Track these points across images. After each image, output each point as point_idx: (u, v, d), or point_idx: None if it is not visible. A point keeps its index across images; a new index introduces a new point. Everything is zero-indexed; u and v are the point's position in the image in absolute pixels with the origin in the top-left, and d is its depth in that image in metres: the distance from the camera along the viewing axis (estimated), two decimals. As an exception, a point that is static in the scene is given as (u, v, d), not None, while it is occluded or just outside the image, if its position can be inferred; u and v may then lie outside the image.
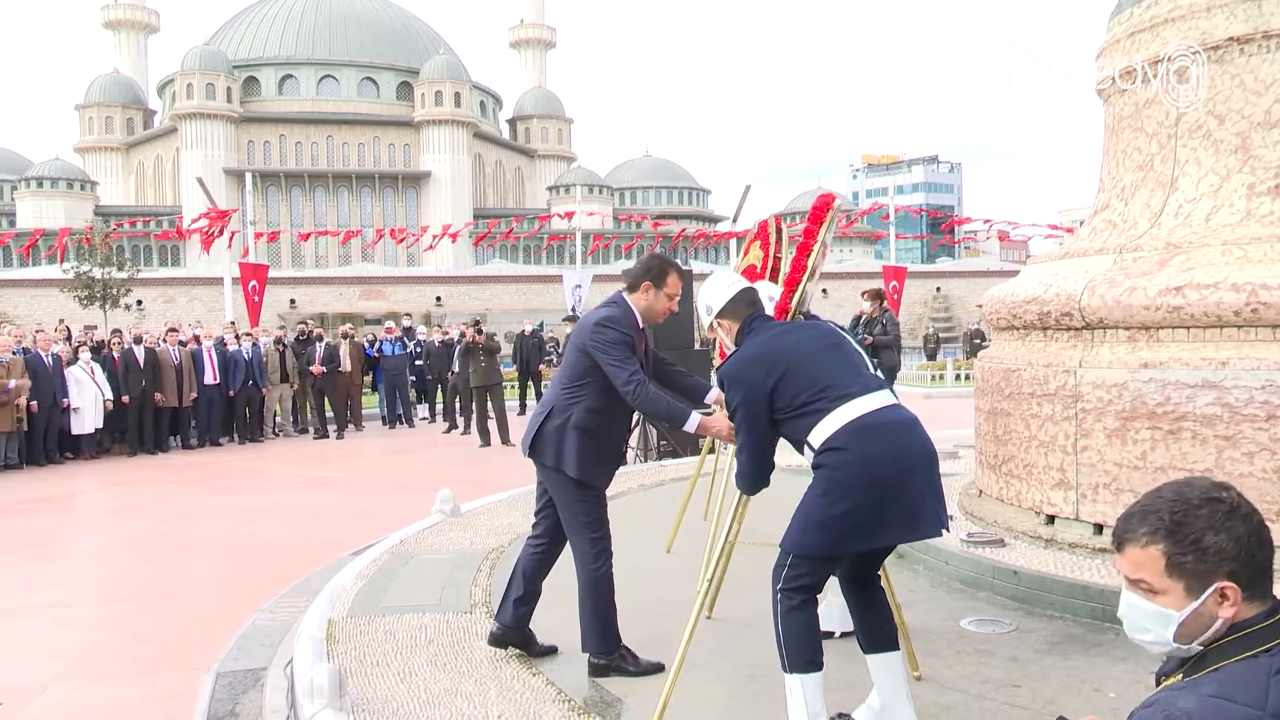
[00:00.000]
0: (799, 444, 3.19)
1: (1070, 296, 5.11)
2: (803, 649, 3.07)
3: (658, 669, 3.84)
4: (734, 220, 31.93)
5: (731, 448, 4.17)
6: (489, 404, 13.71)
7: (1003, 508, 5.54)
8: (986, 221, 49.29)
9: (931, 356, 31.12)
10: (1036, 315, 5.38)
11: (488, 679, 3.89)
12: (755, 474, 3.34)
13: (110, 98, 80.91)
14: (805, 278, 3.82)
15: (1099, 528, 4.88)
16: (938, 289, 60.51)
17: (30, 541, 7.99)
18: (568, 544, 4.06)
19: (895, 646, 3.25)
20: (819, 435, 3.07)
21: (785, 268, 4.33)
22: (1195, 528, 1.52)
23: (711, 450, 6.16)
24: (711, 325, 3.54)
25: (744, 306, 3.47)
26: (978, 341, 23.91)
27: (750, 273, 4.78)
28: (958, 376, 23.29)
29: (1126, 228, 5.33)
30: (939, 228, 64.51)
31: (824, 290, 57.62)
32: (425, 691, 3.77)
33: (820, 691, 3.08)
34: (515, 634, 4.12)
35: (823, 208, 3.97)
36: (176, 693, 4.32)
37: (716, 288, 3.52)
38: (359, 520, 8.24)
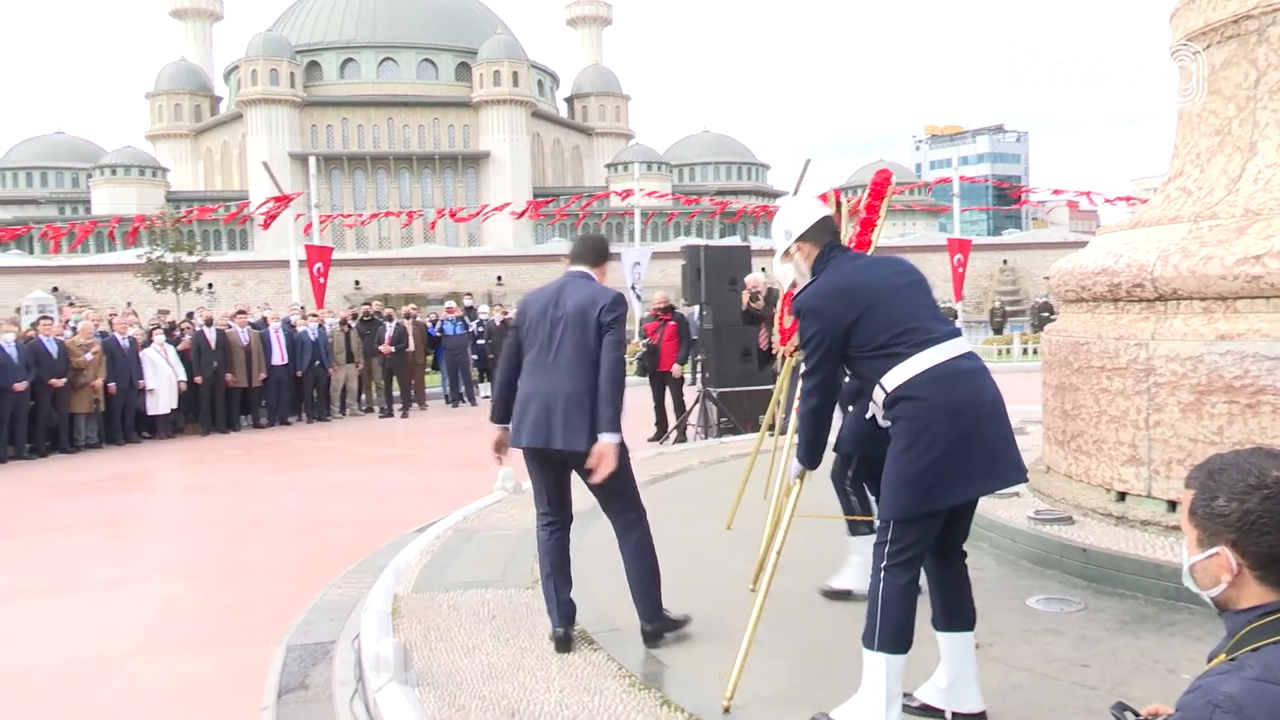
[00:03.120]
0: (869, 384, 3.10)
1: (1142, 267, 4.95)
2: (899, 629, 2.97)
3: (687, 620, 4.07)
4: (794, 195, 31.58)
5: (793, 424, 4.13)
6: None
7: (1071, 484, 5.42)
8: (1056, 191, 48.03)
9: (998, 330, 30.54)
10: (1106, 287, 5.22)
11: (549, 654, 3.93)
12: (824, 411, 3.21)
13: (178, 85, 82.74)
14: (870, 252, 3.78)
15: (1172, 505, 4.74)
16: (1004, 262, 59.26)
17: (110, 519, 8.26)
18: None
19: (970, 627, 3.17)
20: (894, 379, 2.98)
21: (846, 241, 4.26)
22: (1218, 487, 1.59)
23: (771, 427, 6.12)
24: (787, 251, 3.33)
25: (825, 233, 3.31)
26: (1045, 315, 23.40)
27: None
28: (1025, 351, 22.81)
29: (1202, 195, 5.14)
30: (1005, 199, 63.06)
31: (886, 264, 56.69)
32: (488, 666, 3.82)
33: (901, 674, 3.00)
34: (573, 628, 4.09)
35: (883, 183, 3.91)
36: (249, 665, 4.44)
37: (799, 210, 3.34)
38: (423, 498, 8.37)
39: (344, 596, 5.37)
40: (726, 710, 3.31)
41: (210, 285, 46.93)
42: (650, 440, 11.36)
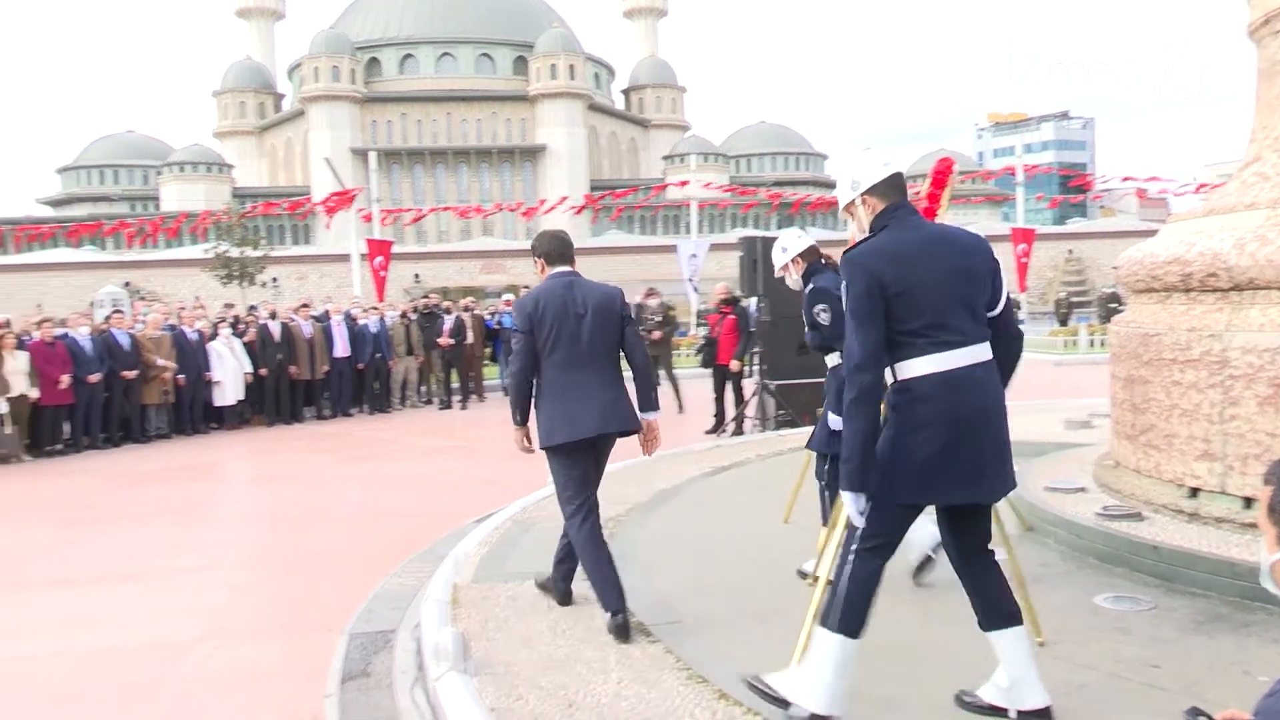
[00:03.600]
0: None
1: (1216, 256, 4.80)
2: (856, 613, 2.99)
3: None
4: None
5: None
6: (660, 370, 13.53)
7: (1140, 479, 5.28)
8: (1125, 179, 46.78)
9: (1063, 322, 29.92)
10: (1178, 276, 5.07)
11: (607, 645, 3.94)
12: (871, 367, 2.92)
13: (243, 84, 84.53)
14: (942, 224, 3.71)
15: (1248, 501, 4.60)
16: (1070, 251, 58.02)
17: (179, 508, 8.48)
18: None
19: (1017, 621, 3.10)
20: (907, 370, 2.94)
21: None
22: None
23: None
24: (850, 204, 3.17)
25: (896, 191, 3.11)
26: (1113, 305, 22.83)
27: (869, 238, 4.64)
28: (1092, 343, 22.29)
29: (1281, 180, 4.96)
30: (1070, 187, 61.61)
31: (947, 255, 55.80)
32: (546, 656, 3.84)
33: (852, 660, 3.02)
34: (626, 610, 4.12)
35: (944, 172, 3.84)
36: (313, 652, 4.52)
37: (872, 162, 3.14)
38: (482, 489, 8.45)
39: (404, 586, 5.44)
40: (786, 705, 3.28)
41: (275, 279, 47.88)
42: (708, 433, 11.33)
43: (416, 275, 51.80)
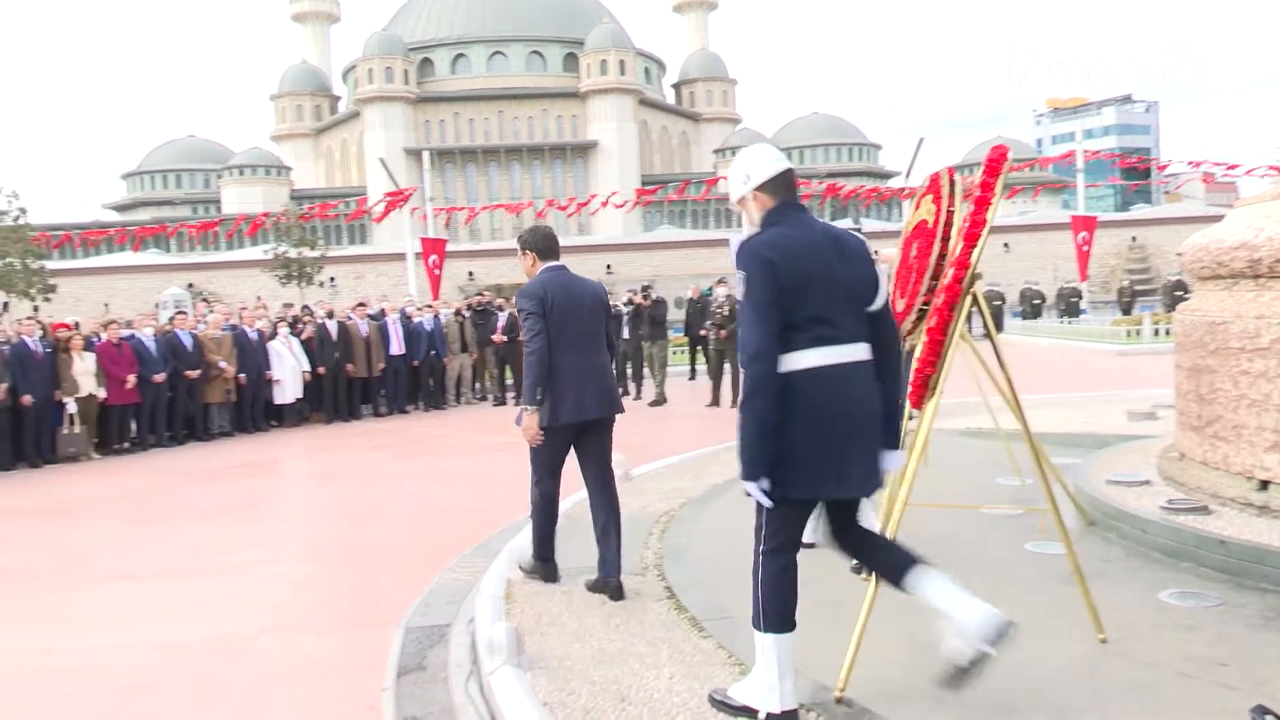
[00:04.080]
0: None
1: (1286, 241, 4.64)
2: (780, 610, 3.09)
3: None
4: (906, 175, 30.84)
5: (904, 413, 4.05)
6: (725, 364, 13.54)
7: (1207, 472, 5.14)
8: (1191, 163, 45.54)
9: (1127, 311, 29.25)
10: (1246, 263, 4.92)
11: (660, 640, 3.94)
12: (769, 357, 2.95)
13: (300, 87, 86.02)
14: (986, 232, 3.65)
15: (1321, 494, 4.45)
16: (1133, 239, 56.66)
17: (242, 504, 8.66)
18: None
19: (920, 562, 3.15)
20: (788, 364, 2.99)
21: (959, 222, 4.13)
22: None
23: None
24: (741, 197, 3.23)
25: (785, 189, 3.19)
26: (1178, 294, 22.26)
27: (921, 228, 4.58)
28: (1156, 332, 21.74)
29: (1354, 162, 4.78)
30: (1133, 173, 60.11)
31: (1005, 245, 54.97)
32: (599, 651, 3.85)
33: (791, 652, 3.11)
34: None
35: (998, 160, 3.77)
36: (370, 645, 4.59)
37: (764, 157, 3.22)
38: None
39: (460, 581, 5.50)
40: (838, 700, 3.26)
41: (332, 279, 48.69)
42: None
43: (470, 273, 52.30)
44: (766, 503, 3.04)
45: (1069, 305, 30.33)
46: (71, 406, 11.24)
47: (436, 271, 22.41)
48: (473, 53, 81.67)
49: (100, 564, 6.70)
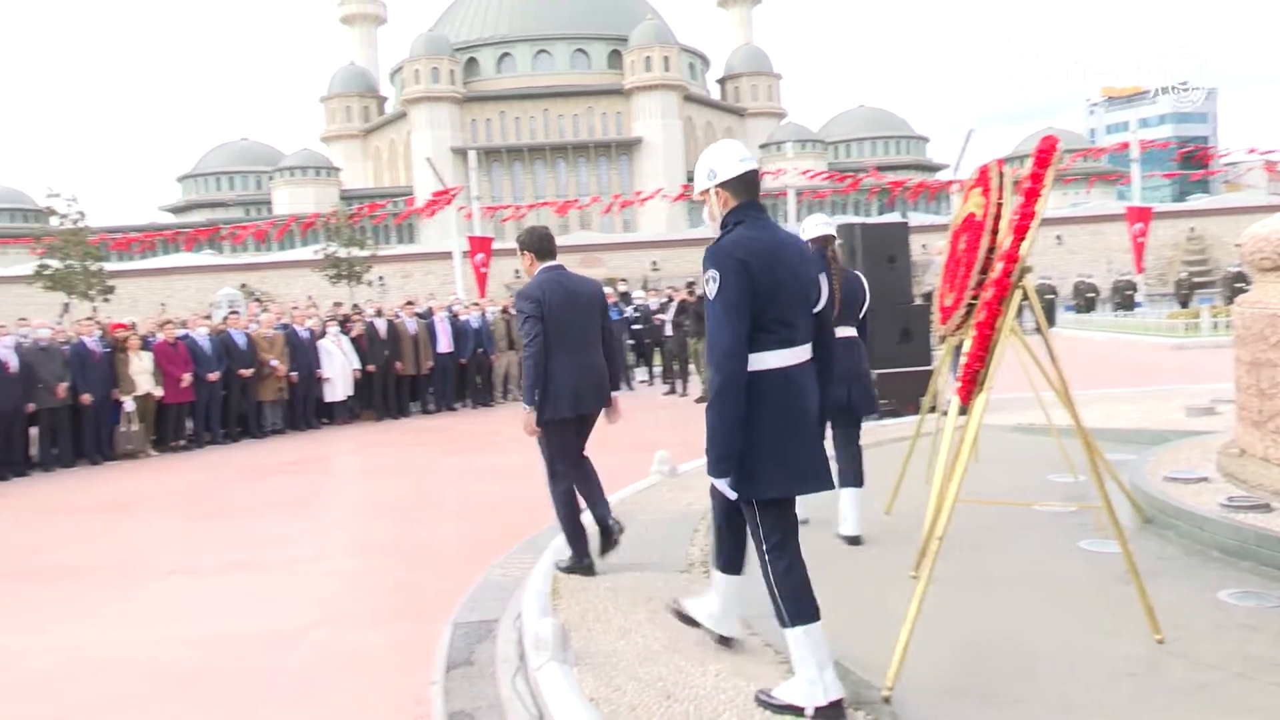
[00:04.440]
0: None
1: (1351, 230, 4.50)
2: (801, 601, 3.15)
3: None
4: (955, 168, 30.41)
5: (953, 409, 4.00)
6: None
7: (1269, 468, 5.00)
8: (1252, 151, 44.35)
9: (1184, 304, 28.57)
10: (1308, 253, 4.78)
11: (705, 639, 3.92)
12: (740, 355, 3.03)
13: (348, 88, 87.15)
14: (1035, 224, 3.59)
15: (1389, 491, 4.31)
16: (1191, 229, 55.38)
17: (294, 500, 8.81)
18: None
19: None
20: (753, 364, 3.08)
21: (1008, 214, 4.07)
22: None
23: (933, 409, 5.91)
24: (705, 191, 3.29)
25: (749, 188, 3.26)
26: (1238, 286, 21.67)
27: (970, 221, 4.52)
28: (1215, 325, 21.22)
29: None
30: (1191, 162, 58.70)
31: (1057, 237, 54.05)
32: (644, 648, 3.85)
33: (823, 640, 3.16)
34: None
35: (1048, 151, 3.70)
36: (419, 640, 4.64)
37: (730, 155, 3.28)
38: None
39: (507, 576, 5.53)
40: (886, 699, 3.22)
41: (381, 278, 49.22)
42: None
43: (517, 271, 52.53)
44: (731, 495, 3.14)
45: (1124, 298, 29.72)
46: (129, 405, 11.50)
47: (483, 269, 22.57)
48: (518, 52, 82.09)
49: (158, 559, 6.85)
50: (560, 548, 5.44)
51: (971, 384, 3.71)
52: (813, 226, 5.75)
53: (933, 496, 4.37)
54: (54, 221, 43.08)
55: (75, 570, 6.56)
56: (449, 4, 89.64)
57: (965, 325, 4.30)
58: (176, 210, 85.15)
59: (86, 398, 11.08)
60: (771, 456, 3.09)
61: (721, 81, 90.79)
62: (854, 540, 5.34)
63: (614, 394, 5.05)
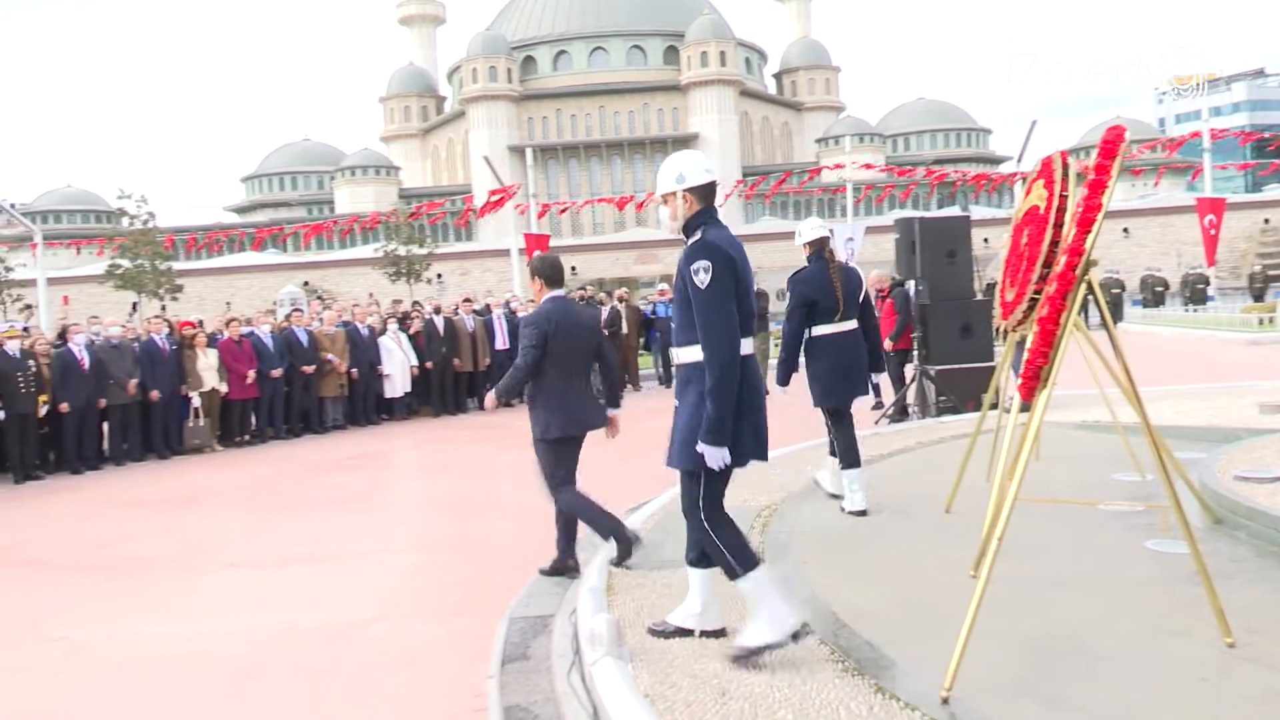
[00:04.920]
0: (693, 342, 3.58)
1: None
2: (745, 550, 3.63)
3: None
4: (1018, 160, 29.80)
5: (1015, 406, 3.94)
6: None
7: (1347, 468, 4.82)
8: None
9: (1259, 297, 27.74)
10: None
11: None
12: (738, 340, 3.50)
13: (407, 88, 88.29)
14: (1100, 217, 3.50)
15: None
16: (1265, 221, 53.73)
17: (354, 494, 8.95)
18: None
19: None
20: None
21: (1072, 207, 3.97)
22: None
23: (993, 406, 5.80)
24: (671, 194, 3.67)
25: (709, 196, 3.69)
26: (1316, 278, 20.93)
27: (1033, 214, 4.41)
28: (1291, 319, 20.53)
29: None
30: (1266, 151, 56.80)
31: (1125, 230, 52.76)
32: (699, 644, 3.83)
33: (775, 578, 3.66)
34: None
35: (1114, 141, 3.60)
36: (476, 634, 4.68)
37: (698, 165, 3.71)
38: (634, 477, 8.53)
39: (562, 572, 5.55)
40: (945, 700, 3.17)
41: (439, 275, 49.84)
42: (875, 417, 11.08)
43: (573, 267, 52.85)
44: (717, 466, 3.51)
45: (1195, 292, 28.90)
46: (196, 400, 11.79)
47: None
48: (574, 49, 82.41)
49: (223, 552, 7.01)
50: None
51: (1034, 380, 3.63)
52: (809, 230, 6.26)
53: (993, 495, 4.29)
54: (125, 222, 44.34)
55: (143, 562, 6.75)
56: (506, 3, 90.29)
57: (1027, 321, 4.21)
58: (241, 210, 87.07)
59: (155, 394, 11.38)
60: (747, 431, 3.58)
61: (778, 76, 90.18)
62: (862, 514, 5.87)
63: (614, 412, 5.50)
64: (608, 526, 5.24)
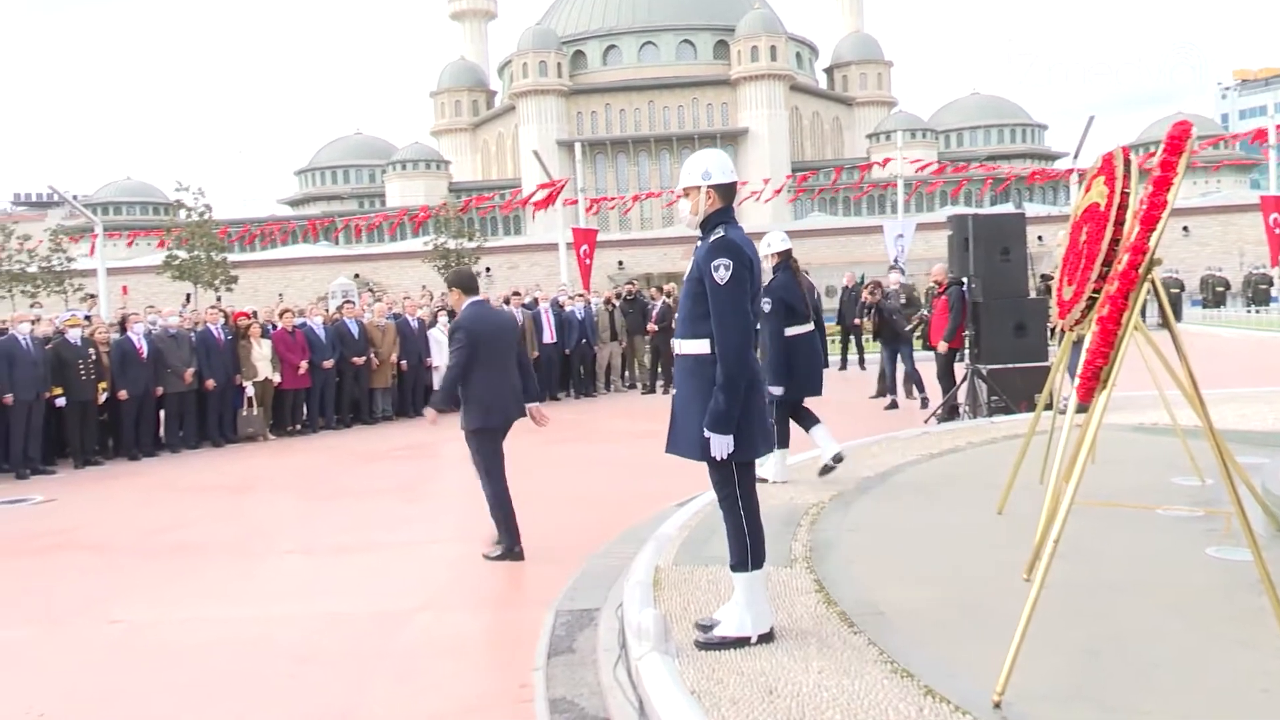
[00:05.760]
0: (709, 335, 3.68)
1: None
2: (763, 546, 3.84)
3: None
4: (1075, 156, 29.23)
5: (1071, 407, 3.87)
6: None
7: None
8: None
9: (1324, 299, 26.93)
10: None
11: (809, 634, 3.88)
12: (750, 338, 3.70)
13: (458, 83, 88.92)
14: (1166, 215, 3.42)
15: None
16: (1331, 220, 52.05)
17: (403, 485, 9.05)
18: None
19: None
20: None
21: (1134, 204, 3.88)
22: None
23: (1048, 407, 5.70)
24: (694, 188, 3.79)
25: (730, 197, 3.82)
26: (1385, 280, 20.29)
27: (1093, 211, 4.32)
28: (1358, 321, 19.93)
29: None
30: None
31: (1184, 228, 51.57)
32: (747, 643, 3.82)
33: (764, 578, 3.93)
34: None
35: (1181, 136, 3.51)
36: (522, 626, 4.71)
37: (723, 164, 3.84)
38: (682, 472, 8.50)
39: (608, 566, 5.57)
40: (997, 705, 3.12)
41: (488, 269, 50.18)
42: (924, 416, 10.96)
43: (620, 262, 52.92)
44: (722, 455, 3.65)
45: (1258, 293, 28.15)
46: (250, 390, 11.99)
47: (587, 261, 22.75)
48: (624, 44, 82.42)
49: (277, 538, 7.13)
50: (663, 538, 5.46)
51: (1093, 381, 3.56)
52: (778, 241, 7.09)
53: (1048, 497, 4.21)
54: (182, 214, 45.24)
55: (200, 547, 6.88)
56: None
57: (1085, 320, 4.13)
58: (294, 203, 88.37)
59: (211, 383, 11.59)
60: (755, 424, 3.73)
61: (829, 70, 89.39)
62: (839, 458, 6.84)
63: (534, 404, 6.12)
64: (506, 529, 5.91)
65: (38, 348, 10.29)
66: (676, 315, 3.95)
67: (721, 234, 3.70)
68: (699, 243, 3.84)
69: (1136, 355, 4.44)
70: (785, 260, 7.01)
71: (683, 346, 3.83)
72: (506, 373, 5.94)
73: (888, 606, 4.14)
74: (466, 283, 6.08)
